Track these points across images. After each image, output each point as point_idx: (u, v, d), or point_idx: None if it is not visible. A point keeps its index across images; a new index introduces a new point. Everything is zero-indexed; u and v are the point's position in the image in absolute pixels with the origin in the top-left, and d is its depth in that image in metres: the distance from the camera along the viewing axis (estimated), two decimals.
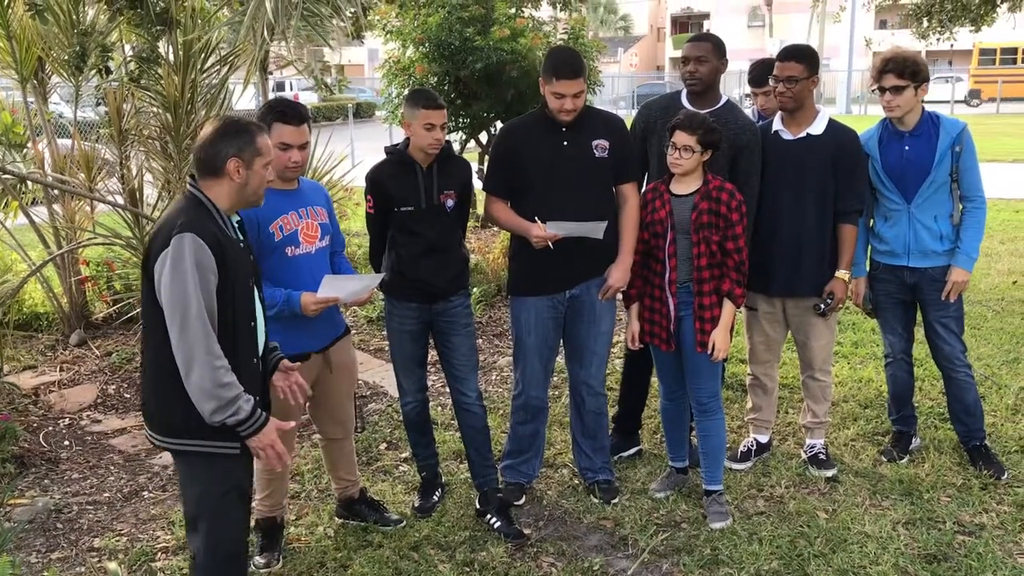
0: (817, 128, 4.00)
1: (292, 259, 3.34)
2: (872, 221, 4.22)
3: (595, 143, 3.78)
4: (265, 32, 4.98)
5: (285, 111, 3.27)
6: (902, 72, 3.91)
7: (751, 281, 4.14)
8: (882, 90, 3.97)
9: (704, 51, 3.94)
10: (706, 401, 3.84)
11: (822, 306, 4.05)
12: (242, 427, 2.62)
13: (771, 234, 4.04)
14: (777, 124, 4.07)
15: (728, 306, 3.69)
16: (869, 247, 4.26)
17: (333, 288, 3.32)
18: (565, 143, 3.76)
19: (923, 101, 4.03)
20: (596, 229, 3.67)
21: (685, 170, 3.63)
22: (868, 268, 4.27)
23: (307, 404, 3.67)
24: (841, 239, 4.04)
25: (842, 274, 4.04)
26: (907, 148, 4.01)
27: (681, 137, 3.58)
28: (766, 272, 4.07)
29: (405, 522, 3.87)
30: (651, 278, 3.82)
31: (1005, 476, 4.12)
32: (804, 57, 3.97)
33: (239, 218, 2.85)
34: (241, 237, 2.81)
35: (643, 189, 3.98)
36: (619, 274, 3.82)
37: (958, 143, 3.96)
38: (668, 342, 3.80)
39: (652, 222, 3.75)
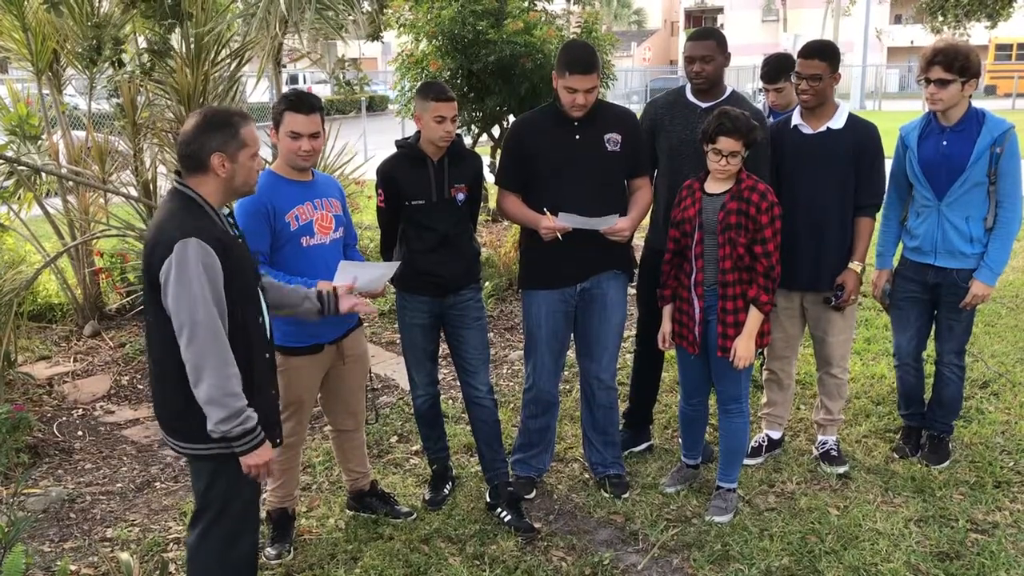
0: (837, 122, 3.94)
1: (307, 249, 3.34)
2: (906, 216, 4.15)
3: (607, 137, 3.77)
4: (277, 25, 4.98)
5: (295, 100, 3.26)
6: (950, 66, 3.80)
7: None
8: (927, 81, 3.87)
9: (709, 50, 3.89)
10: (727, 403, 3.81)
11: (832, 299, 4.01)
12: (245, 439, 2.59)
13: (791, 229, 3.94)
14: (796, 118, 4.02)
15: (754, 313, 3.57)
16: (900, 242, 4.20)
17: (349, 275, 3.30)
18: (577, 137, 3.74)
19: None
20: (607, 222, 3.66)
21: (731, 174, 3.54)
22: (896, 263, 4.21)
23: (319, 395, 3.68)
24: (857, 231, 3.99)
25: (855, 266, 3.98)
26: (945, 143, 3.91)
27: (728, 143, 3.45)
28: (787, 267, 3.97)
29: (415, 515, 3.88)
30: (683, 279, 3.74)
31: (946, 463, 4.20)
32: (828, 55, 3.90)
33: (228, 210, 2.79)
34: (237, 232, 2.77)
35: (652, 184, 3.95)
36: (624, 223, 3.75)
37: (999, 144, 3.83)
38: (694, 345, 3.73)
39: (682, 220, 3.66)
